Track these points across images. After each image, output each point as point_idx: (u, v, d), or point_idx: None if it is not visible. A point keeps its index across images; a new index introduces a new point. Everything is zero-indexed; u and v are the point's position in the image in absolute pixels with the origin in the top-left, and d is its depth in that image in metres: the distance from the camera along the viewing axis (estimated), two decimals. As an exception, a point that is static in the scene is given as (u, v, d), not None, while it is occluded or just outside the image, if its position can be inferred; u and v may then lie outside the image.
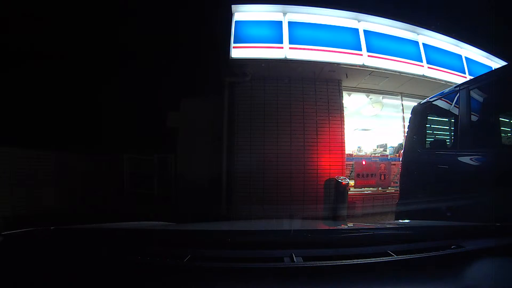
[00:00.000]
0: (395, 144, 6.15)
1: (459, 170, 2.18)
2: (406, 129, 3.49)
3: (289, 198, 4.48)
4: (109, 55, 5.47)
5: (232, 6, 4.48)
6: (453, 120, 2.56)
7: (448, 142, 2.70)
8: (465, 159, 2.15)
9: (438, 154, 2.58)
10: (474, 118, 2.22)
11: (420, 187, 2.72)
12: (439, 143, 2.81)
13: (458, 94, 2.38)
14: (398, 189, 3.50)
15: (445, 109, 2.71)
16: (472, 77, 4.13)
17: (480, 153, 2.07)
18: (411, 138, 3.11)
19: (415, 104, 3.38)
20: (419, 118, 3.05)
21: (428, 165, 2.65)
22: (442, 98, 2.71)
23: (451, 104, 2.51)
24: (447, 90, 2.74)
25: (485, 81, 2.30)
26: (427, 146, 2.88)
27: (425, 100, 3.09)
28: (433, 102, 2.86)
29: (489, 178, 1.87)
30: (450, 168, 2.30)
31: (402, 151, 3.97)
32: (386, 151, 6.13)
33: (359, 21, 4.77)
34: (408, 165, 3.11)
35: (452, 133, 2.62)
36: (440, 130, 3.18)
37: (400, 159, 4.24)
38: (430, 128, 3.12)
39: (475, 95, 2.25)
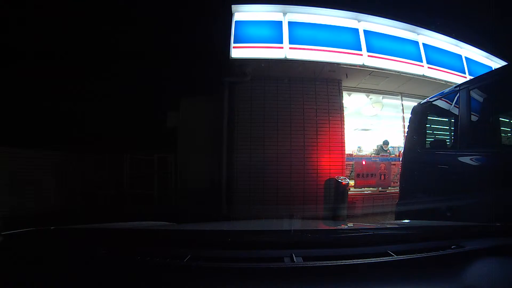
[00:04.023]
0: (395, 144, 6.16)
1: (459, 170, 2.18)
2: (406, 129, 3.48)
3: (289, 198, 4.48)
4: (109, 55, 5.47)
5: (232, 6, 4.48)
6: (453, 120, 2.55)
7: (448, 142, 2.70)
8: (465, 159, 2.14)
9: (438, 154, 2.58)
10: (474, 118, 2.22)
11: (420, 187, 2.72)
12: (439, 143, 2.80)
13: (458, 94, 2.38)
14: (398, 189, 3.50)
15: (445, 109, 2.70)
16: (472, 77, 4.12)
17: (480, 153, 2.07)
18: (411, 138, 3.11)
19: (415, 104, 3.38)
20: (419, 118, 3.04)
21: (428, 165, 2.65)
22: (442, 98, 2.71)
23: (451, 104, 2.51)
24: (447, 90, 2.74)
25: (485, 81, 2.30)
26: (427, 146, 2.88)
27: (425, 100, 3.09)
28: (433, 102, 2.85)
29: (489, 178, 1.87)
30: (450, 168, 2.29)
31: (402, 151, 3.95)
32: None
33: (359, 21, 4.77)
34: (408, 165, 3.10)
35: (452, 133, 2.61)
36: (440, 130, 3.18)
37: (400, 159, 4.24)
38: (430, 128, 3.11)
39: (475, 95, 2.25)
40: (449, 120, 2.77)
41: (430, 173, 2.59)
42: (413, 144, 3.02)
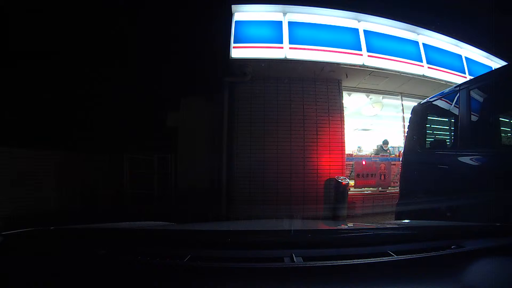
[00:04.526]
0: (395, 144, 6.16)
1: (459, 170, 2.18)
2: (406, 129, 3.48)
3: (289, 198, 4.48)
4: (109, 55, 5.47)
5: (232, 6, 4.48)
6: (453, 120, 2.55)
7: (448, 142, 2.70)
8: (465, 159, 2.14)
9: (438, 154, 2.58)
10: (474, 118, 2.22)
11: (420, 187, 2.72)
12: (439, 143, 2.80)
13: (458, 94, 2.38)
14: (398, 189, 3.50)
15: (445, 109, 2.71)
16: (472, 77, 4.12)
17: (480, 153, 2.07)
18: (411, 138, 3.11)
19: (415, 104, 3.38)
20: (419, 118, 3.05)
21: (428, 165, 2.65)
22: (442, 98, 2.71)
23: (451, 104, 2.51)
24: (447, 90, 2.74)
25: (485, 81, 2.30)
26: (427, 146, 2.88)
27: (425, 100, 3.09)
28: (433, 102, 2.85)
29: (489, 178, 1.87)
30: (450, 168, 2.29)
31: (402, 151, 3.94)
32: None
33: (359, 21, 4.77)
34: (408, 165, 3.10)
35: (452, 133, 2.61)
36: (440, 130, 3.18)
37: (400, 159, 4.23)
38: (430, 128, 3.11)
39: (475, 95, 2.25)
40: (449, 120, 2.77)
41: (430, 173, 2.59)
42: (413, 144, 3.02)
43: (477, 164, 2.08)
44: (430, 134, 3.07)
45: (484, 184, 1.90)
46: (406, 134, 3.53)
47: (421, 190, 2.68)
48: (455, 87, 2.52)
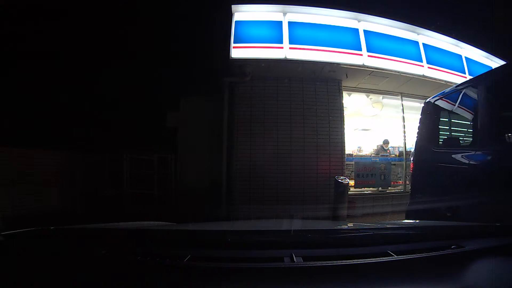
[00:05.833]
0: (395, 144, 6.15)
1: (478, 168, 2.03)
2: (417, 127, 3.15)
3: (289, 198, 4.48)
4: (109, 55, 5.47)
5: (232, 6, 4.48)
6: (469, 117, 2.39)
7: (463, 140, 2.54)
8: (483, 157, 2.02)
9: (454, 152, 2.38)
10: (493, 114, 2.04)
11: (434, 186, 2.55)
12: (453, 141, 2.62)
13: (475, 88, 2.21)
14: (410, 189, 3.35)
15: (460, 104, 2.53)
16: (471, 77, 4.06)
17: (500, 150, 1.89)
18: (423, 136, 2.91)
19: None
20: (431, 115, 2.84)
21: (442, 164, 2.45)
22: (457, 93, 2.52)
23: (467, 100, 2.35)
24: (460, 84, 2.57)
25: (505, 72, 2.14)
26: (441, 144, 2.67)
27: (437, 95, 2.87)
28: (447, 97, 2.65)
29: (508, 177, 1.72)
30: (466, 167, 2.16)
31: (413, 150, 3.69)
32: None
33: (359, 21, 4.77)
34: (420, 164, 2.89)
35: (469, 130, 2.44)
36: (454, 126, 2.92)
37: (411, 158, 4.08)
38: (444, 125, 2.90)
39: (494, 89, 2.07)
40: (465, 116, 2.59)
41: (445, 172, 2.41)
42: (425, 143, 2.82)
43: (496, 162, 1.92)
44: (443, 131, 2.86)
45: (503, 183, 1.74)
46: (417, 132, 3.19)
47: (435, 189, 2.50)
48: (470, 80, 2.33)
